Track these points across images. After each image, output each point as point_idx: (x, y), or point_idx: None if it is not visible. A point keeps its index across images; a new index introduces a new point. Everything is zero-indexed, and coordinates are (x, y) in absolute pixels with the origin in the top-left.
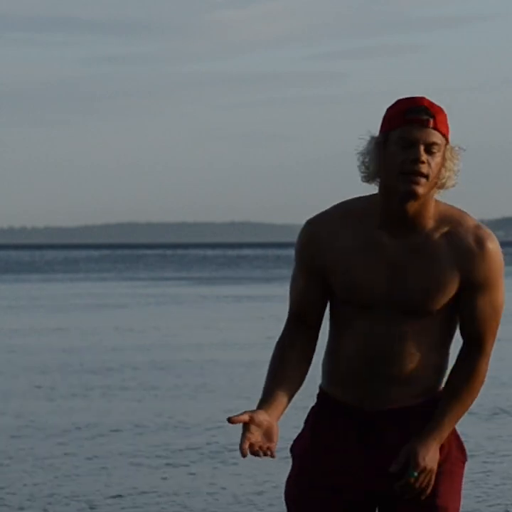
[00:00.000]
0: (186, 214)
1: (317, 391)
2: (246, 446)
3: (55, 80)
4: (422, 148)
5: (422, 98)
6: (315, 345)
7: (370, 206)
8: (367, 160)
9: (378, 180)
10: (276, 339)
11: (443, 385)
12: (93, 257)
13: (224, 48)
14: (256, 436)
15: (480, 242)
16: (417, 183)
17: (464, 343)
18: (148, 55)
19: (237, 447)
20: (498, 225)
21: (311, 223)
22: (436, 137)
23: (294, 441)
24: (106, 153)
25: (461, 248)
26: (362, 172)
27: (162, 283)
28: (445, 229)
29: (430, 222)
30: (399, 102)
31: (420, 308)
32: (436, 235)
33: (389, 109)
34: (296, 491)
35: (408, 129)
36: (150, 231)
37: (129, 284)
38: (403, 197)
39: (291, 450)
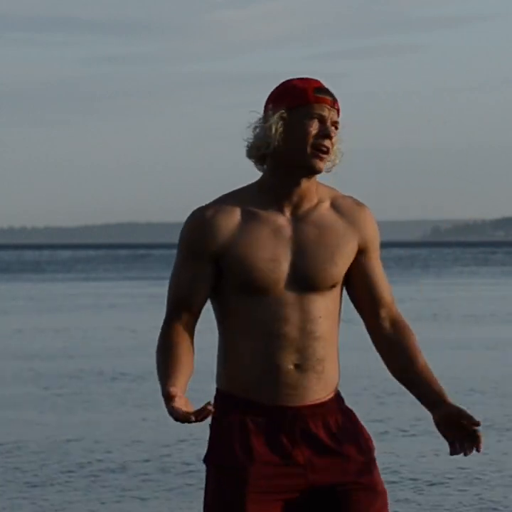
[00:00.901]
0: (186, 214)
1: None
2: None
3: (55, 80)
4: (329, 125)
5: (317, 80)
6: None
7: (256, 189)
8: (262, 133)
9: (266, 156)
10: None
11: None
12: (93, 257)
13: (224, 48)
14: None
15: (361, 206)
16: (322, 159)
17: (376, 314)
18: (148, 55)
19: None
20: (498, 225)
21: (199, 210)
22: (338, 119)
23: (210, 450)
24: (106, 153)
25: (349, 215)
26: (254, 146)
27: (162, 283)
28: (327, 202)
29: (315, 197)
30: (300, 80)
31: (325, 280)
32: (323, 208)
33: (289, 87)
34: (234, 500)
35: (318, 106)
36: (150, 231)
37: (129, 284)
38: (308, 170)
39: (207, 460)
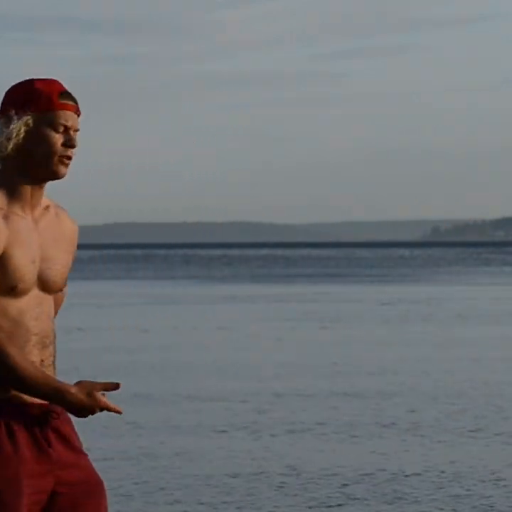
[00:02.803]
0: (186, 214)
1: None
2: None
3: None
4: (73, 134)
5: (59, 81)
6: None
7: (1, 192)
8: (5, 137)
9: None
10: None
11: None
12: (93, 257)
13: (224, 48)
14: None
15: (72, 219)
16: (67, 166)
17: None
18: (148, 55)
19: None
20: (498, 225)
21: None
22: (79, 125)
23: None
24: (106, 153)
25: (65, 223)
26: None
27: (162, 283)
28: (51, 207)
29: (43, 202)
30: (43, 83)
31: (60, 284)
32: (51, 213)
33: (34, 91)
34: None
35: (63, 114)
36: (150, 231)
37: (129, 283)
38: (53, 177)
39: None
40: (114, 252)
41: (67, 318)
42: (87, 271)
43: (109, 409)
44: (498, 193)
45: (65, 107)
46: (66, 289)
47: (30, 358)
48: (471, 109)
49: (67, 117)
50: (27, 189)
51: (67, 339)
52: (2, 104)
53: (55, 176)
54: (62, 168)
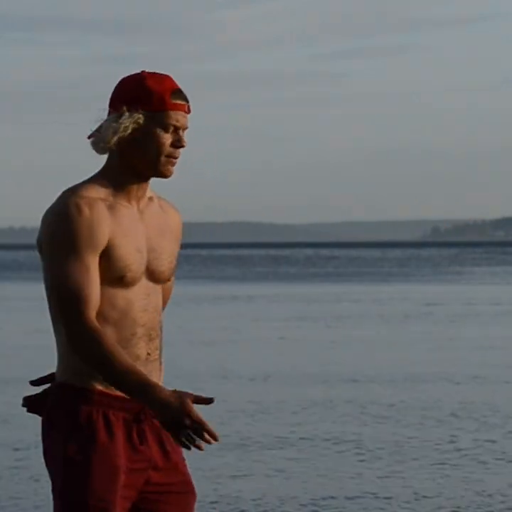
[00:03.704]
0: (186, 214)
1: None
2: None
3: (55, 79)
4: (182, 133)
5: (172, 78)
6: None
7: (107, 183)
8: (114, 132)
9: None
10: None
11: None
12: None
13: (224, 47)
14: None
15: (176, 209)
16: (173, 165)
17: None
18: (148, 55)
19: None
20: (498, 225)
21: (83, 197)
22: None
23: (72, 445)
24: None
25: (170, 214)
26: (105, 141)
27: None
28: (155, 199)
29: (147, 193)
30: (156, 81)
31: (167, 274)
32: (154, 204)
33: (146, 90)
34: (105, 497)
35: (174, 114)
36: None
37: None
38: (159, 176)
39: (71, 456)
40: None
41: None
42: None
43: (200, 426)
44: (498, 193)
45: (176, 107)
46: (173, 282)
47: (136, 350)
48: (471, 109)
49: (178, 117)
50: (133, 182)
51: None
52: (114, 98)
53: (162, 175)
54: (169, 169)
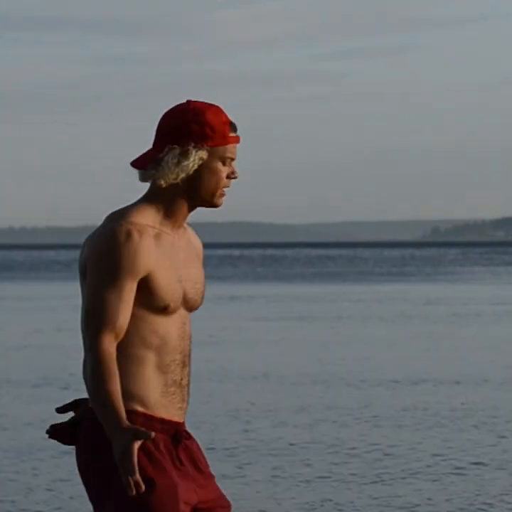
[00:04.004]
0: None
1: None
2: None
3: (55, 80)
4: (234, 165)
5: (221, 108)
6: None
7: (154, 210)
8: (178, 170)
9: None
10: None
11: None
12: None
13: (224, 47)
14: None
15: (194, 234)
16: (224, 196)
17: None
18: (149, 55)
19: None
20: (498, 225)
21: (133, 223)
22: None
23: (145, 467)
24: (106, 153)
25: (194, 241)
26: (167, 178)
27: None
28: (188, 229)
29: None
30: (213, 113)
31: (200, 303)
32: (186, 232)
33: (208, 125)
34: None
35: (231, 148)
36: None
37: None
38: (211, 206)
39: (149, 479)
40: None
41: (74, 318)
42: None
43: (127, 473)
44: (498, 193)
45: (234, 141)
46: None
47: (174, 376)
48: (471, 109)
49: (234, 150)
50: (182, 212)
51: (75, 340)
52: (175, 133)
53: (215, 206)
54: (221, 201)
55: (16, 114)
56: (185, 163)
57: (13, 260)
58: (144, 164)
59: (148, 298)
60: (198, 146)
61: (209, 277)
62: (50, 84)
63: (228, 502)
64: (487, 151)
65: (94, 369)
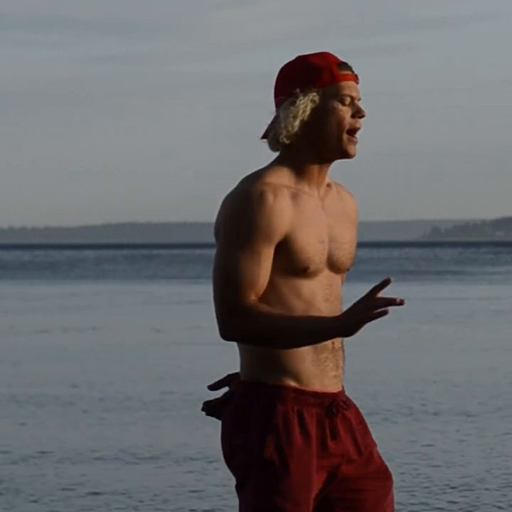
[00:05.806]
0: (186, 214)
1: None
2: None
3: (55, 79)
4: (358, 103)
5: (331, 53)
6: None
7: (288, 170)
8: (291, 117)
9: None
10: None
11: None
12: (93, 257)
13: (223, 48)
14: None
15: (352, 195)
16: (356, 143)
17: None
18: (148, 55)
19: None
20: (498, 225)
21: (263, 190)
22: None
23: (268, 446)
24: (106, 153)
25: (346, 200)
26: (286, 130)
27: (162, 282)
28: (331, 186)
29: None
30: (318, 58)
31: (349, 264)
32: (333, 191)
33: (311, 67)
34: (294, 497)
35: (346, 85)
36: (150, 231)
37: (129, 283)
38: (342, 156)
39: (267, 458)
40: (114, 252)
41: (81, 318)
42: (98, 270)
43: (388, 302)
44: (498, 193)
45: (346, 78)
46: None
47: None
48: (471, 109)
49: (350, 88)
50: (315, 167)
51: (80, 338)
52: (282, 86)
53: (346, 155)
54: (351, 148)
55: (14, 114)
56: (295, 109)
57: (13, 260)
58: (268, 131)
59: (288, 260)
60: (306, 91)
61: (209, 277)
62: (50, 84)
63: (390, 474)
64: (487, 151)
65: (254, 327)
